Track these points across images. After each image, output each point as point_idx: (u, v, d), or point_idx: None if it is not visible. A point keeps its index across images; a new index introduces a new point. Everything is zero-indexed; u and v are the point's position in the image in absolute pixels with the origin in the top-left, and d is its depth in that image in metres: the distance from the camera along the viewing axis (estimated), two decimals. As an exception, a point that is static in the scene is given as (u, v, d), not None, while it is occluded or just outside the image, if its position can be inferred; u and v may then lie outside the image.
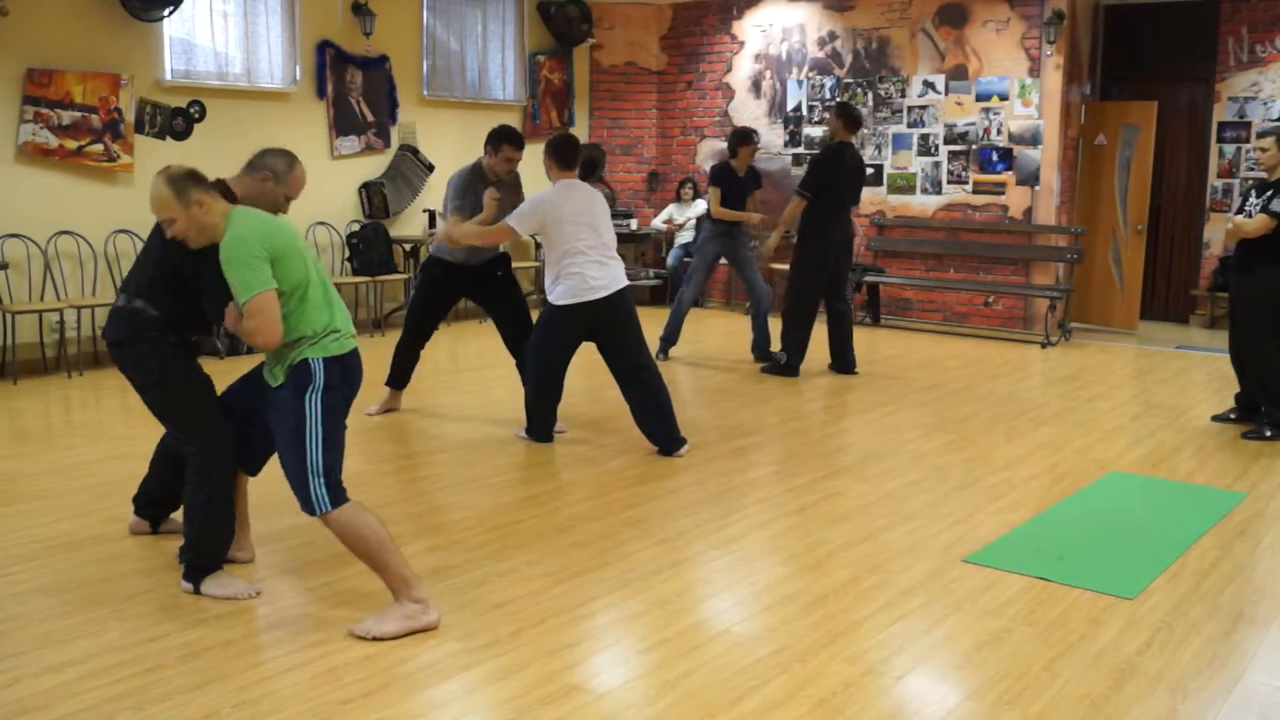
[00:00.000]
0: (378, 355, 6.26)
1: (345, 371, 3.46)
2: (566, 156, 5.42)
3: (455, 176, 5.88)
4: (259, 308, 3.26)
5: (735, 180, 7.81)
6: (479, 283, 6.14)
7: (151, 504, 4.15)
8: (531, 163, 6.23)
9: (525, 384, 5.71)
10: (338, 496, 3.33)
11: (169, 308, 3.63)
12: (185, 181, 3.33)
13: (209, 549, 3.65)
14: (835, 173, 7.27)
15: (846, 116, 7.37)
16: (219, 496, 3.62)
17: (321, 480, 3.30)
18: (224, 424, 3.65)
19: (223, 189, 3.53)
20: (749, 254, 8.06)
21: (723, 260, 8.13)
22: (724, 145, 8.80)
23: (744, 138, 7.84)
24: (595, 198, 5.44)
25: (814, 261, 7.39)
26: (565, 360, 5.53)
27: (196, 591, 3.61)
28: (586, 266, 5.28)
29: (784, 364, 7.52)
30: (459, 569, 3.88)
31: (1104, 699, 2.99)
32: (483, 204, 5.66)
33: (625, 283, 5.43)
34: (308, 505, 3.33)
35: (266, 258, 3.28)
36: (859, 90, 10.09)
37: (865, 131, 10.02)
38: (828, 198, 7.27)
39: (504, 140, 5.78)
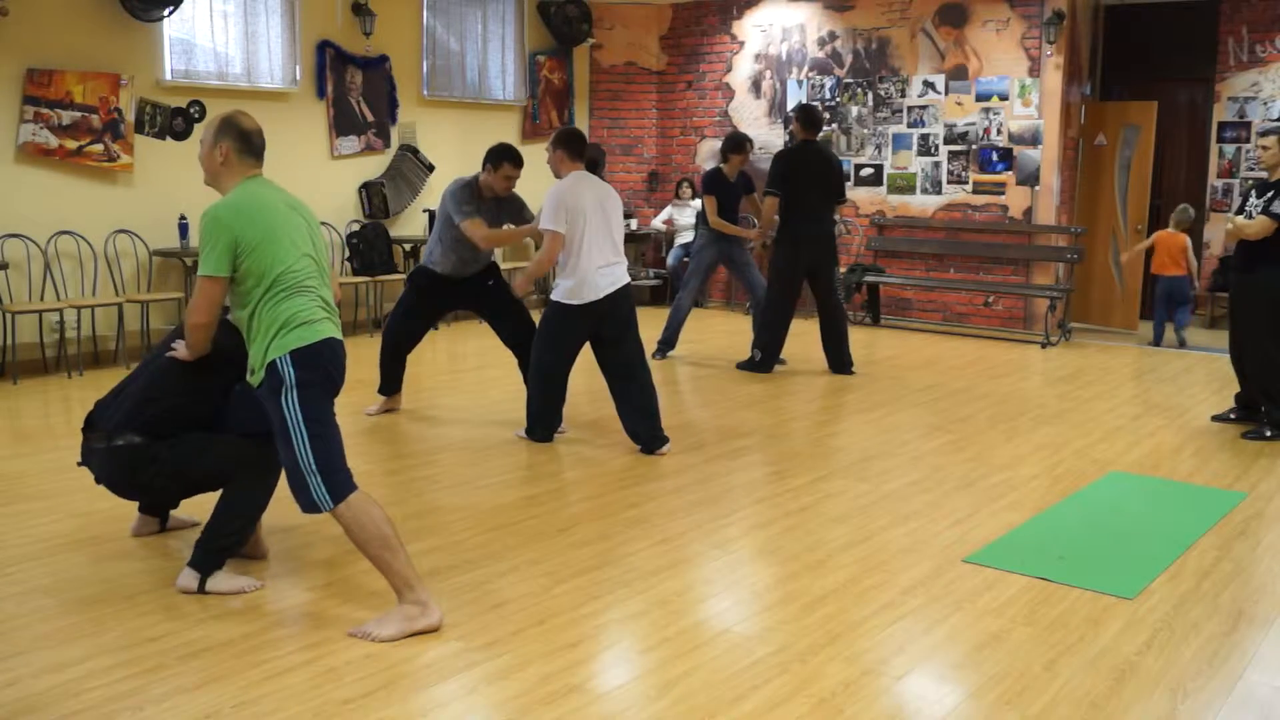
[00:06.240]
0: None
1: (317, 360, 3.37)
2: (577, 147, 5.40)
3: (456, 187, 5.81)
4: (199, 289, 3.36)
5: (727, 186, 7.80)
6: (472, 294, 6.12)
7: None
8: (528, 174, 6.20)
9: (528, 385, 5.71)
10: (339, 490, 3.31)
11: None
12: (226, 129, 3.41)
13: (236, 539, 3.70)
14: (794, 169, 7.34)
15: (805, 118, 7.52)
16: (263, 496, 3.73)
17: (319, 478, 3.29)
18: (244, 442, 3.66)
19: None
20: (748, 256, 8.06)
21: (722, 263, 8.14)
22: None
23: (738, 145, 7.82)
24: (610, 193, 5.43)
25: (784, 260, 7.48)
26: (569, 361, 5.52)
27: (201, 590, 3.59)
28: (593, 265, 5.28)
29: (757, 361, 7.61)
30: (459, 569, 3.88)
31: (1104, 699, 2.99)
32: (492, 214, 5.66)
33: (627, 280, 5.44)
34: (309, 505, 3.32)
35: (229, 246, 3.29)
36: (859, 90, 10.08)
37: (865, 131, 10.03)
38: (791, 195, 7.32)
39: (504, 158, 5.74)
